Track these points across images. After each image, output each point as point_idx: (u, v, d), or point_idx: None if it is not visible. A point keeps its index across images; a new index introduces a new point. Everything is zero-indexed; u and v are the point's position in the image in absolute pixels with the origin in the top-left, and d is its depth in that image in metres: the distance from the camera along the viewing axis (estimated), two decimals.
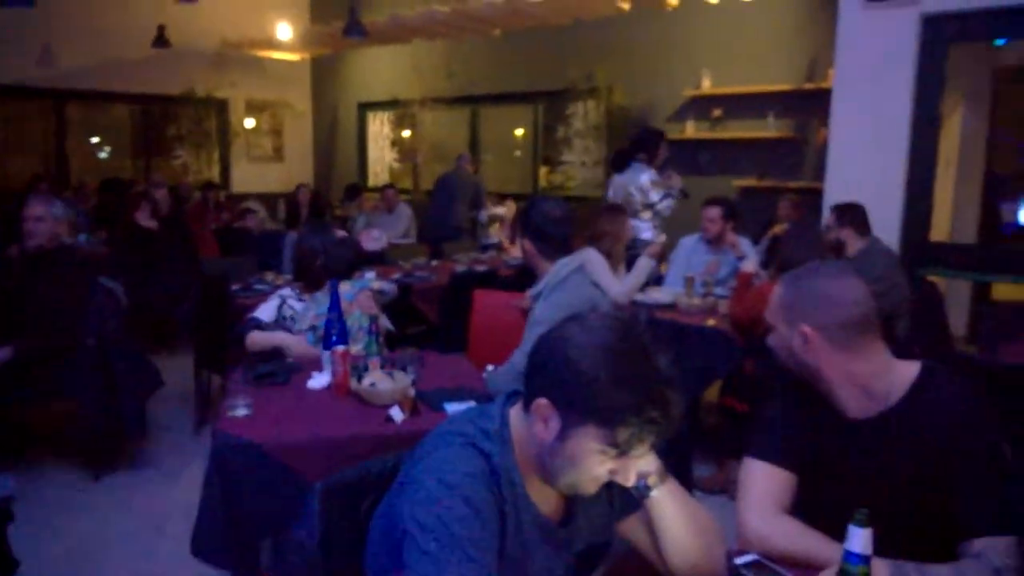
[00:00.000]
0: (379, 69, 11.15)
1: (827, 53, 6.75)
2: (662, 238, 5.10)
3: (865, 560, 1.31)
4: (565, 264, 2.96)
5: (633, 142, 6.19)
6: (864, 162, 5.17)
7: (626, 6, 6.78)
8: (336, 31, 8.39)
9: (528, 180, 9.62)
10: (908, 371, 1.76)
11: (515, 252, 6.82)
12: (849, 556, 1.31)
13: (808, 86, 7.03)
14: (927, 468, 1.68)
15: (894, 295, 4.34)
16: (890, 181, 5.10)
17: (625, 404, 1.33)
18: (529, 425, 1.43)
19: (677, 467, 3.77)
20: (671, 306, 4.60)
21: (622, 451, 1.37)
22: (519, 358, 2.85)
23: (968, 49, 6.27)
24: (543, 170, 9.40)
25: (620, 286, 4.55)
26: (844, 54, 5.23)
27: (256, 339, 3.36)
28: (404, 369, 2.98)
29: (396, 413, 2.68)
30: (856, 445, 1.76)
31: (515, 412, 1.50)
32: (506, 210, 8.30)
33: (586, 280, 3.01)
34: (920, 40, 4.97)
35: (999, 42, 5.84)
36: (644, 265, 4.61)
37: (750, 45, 7.41)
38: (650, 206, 5.94)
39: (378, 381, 2.87)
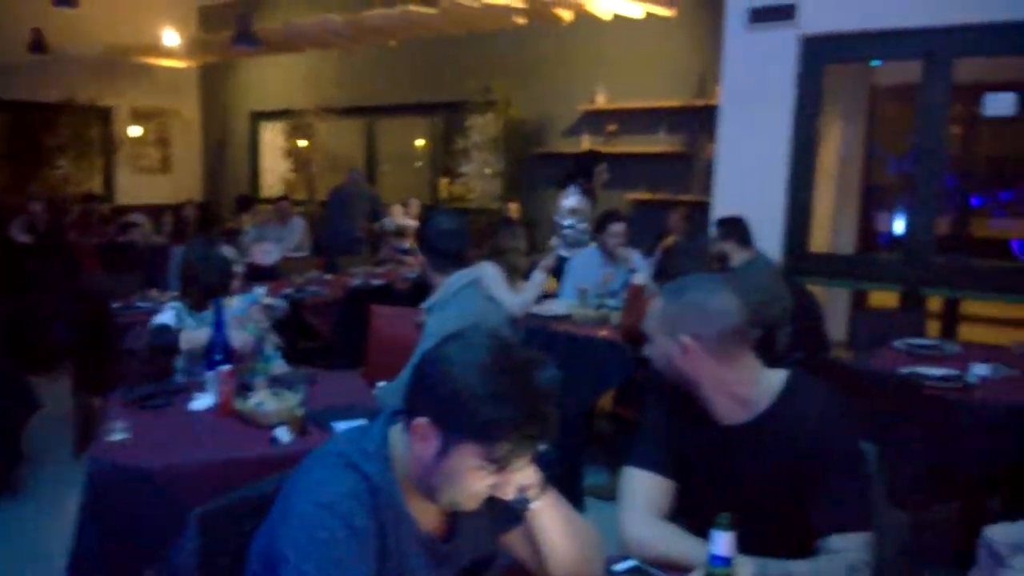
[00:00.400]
0: (272, 78, 10.93)
1: (715, 70, 7.01)
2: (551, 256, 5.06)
3: (727, 562, 1.37)
4: (458, 278, 2.96)
5: (573, 166, 6.32)
6: (748, 177, 5.39)
7: (521, 21, 6.86)
8: (226, 39, 8.18)
9: (426, 191, 9.59)
10: (776, 379, 1.84)
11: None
12: (713, 559, 1.37)
13: (698, 102, 7.28)
14: (792, 470, 1.76)
15: (776, 307, 4.52)
16: (772, 194, 5.33)
17: (503, 420, 1.34)
18: (409, 443, 1.43)
19: (570, 475, 3.83)
20: (566, 318, 4.66)
21: (501, 466, 1.38)
22: (409, 374, 2.83)
23: (846, 69, 6.63)
24: (443, 181, 9.40)
25: (517, 299, 4.58)
26: (729, 73, 5.44)
27: (192, 337, 3.23)
28: (293, 388, 2.93)
29: (282, 434, 2.62)
30: (729, 450, 1.83)
31: (397, 431, 1.50)
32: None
33: (479, 294, 3.02)
34: (799, 60, 5.21)
35: (875, 63, 6.18)
36: (539, 278, 4.66)
37: (642, 61, 7.62)
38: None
39: (264, 401, 2.81)
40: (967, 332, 6.75)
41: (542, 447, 1.41)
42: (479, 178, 8.67)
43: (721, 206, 5.43)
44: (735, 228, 4.66)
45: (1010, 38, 4.68)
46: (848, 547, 1.66)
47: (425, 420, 1.38)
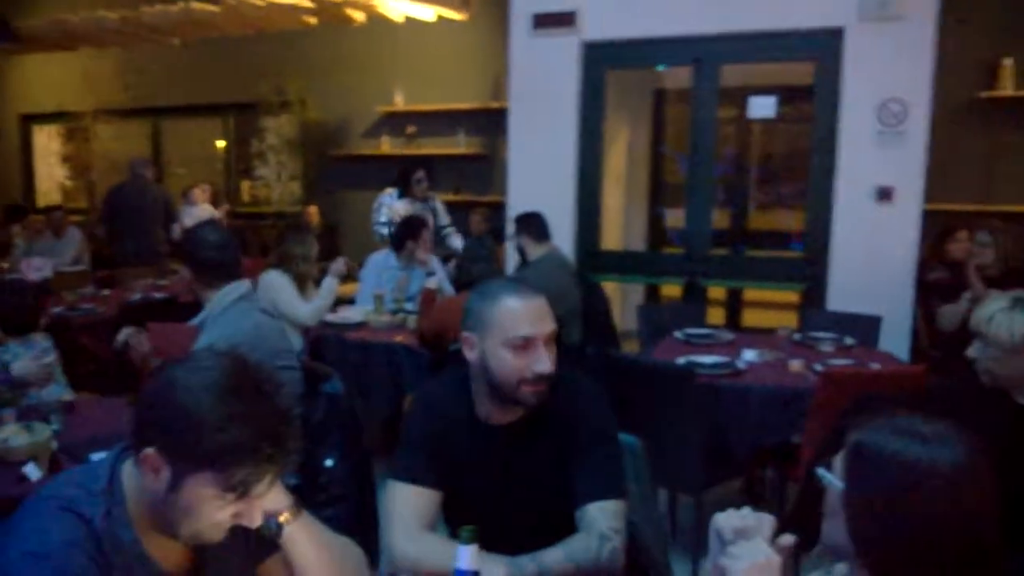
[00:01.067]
0: (45, 78, 10.01)
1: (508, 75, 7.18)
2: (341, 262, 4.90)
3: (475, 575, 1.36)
4: (227, 292, 2.80)
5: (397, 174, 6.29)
6: (539, 177, 5.52)
7: (312, 21, 6.67)
8: None
9: (223, 195, 9.12)
10: None
11: None
12: (458, 574, 1.35)
13: (494, 105, 7.39)
14: (559, 460, 1.81)
15: (565, 302, 4.67)
16: (562, 195, 5.49)
17: (236, 445, 1.26)
18: (140, 477, 1.32)
19: (362, 488, 3.72)
20: (361, 324, 4.57)
21: (241, 494, 1.30)
22: None
23: (631, 74, 6.96)
24: (245, 184, 8.97)
25: (307, 307, 4.45)
26: (516, 77, 5.55)
27: None
28: (47, 419, 2.68)
29: (31, 471, 2.39)
30: (497, 450, 1.85)
31: (128, 465, 1.38)
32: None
33: (252, 307, 2.88)
34: (582, 65, 5.41)
35: (659, 67, 6.50)
36: (330, 285, 4.54)
37: (439, 64, 7.64)
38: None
39: (11, 436, 2.55)
40: (751, 317, 7.32)
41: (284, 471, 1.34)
42: (277, 181, 8.37)
43: (516, 206, 5.52)
44: (530, 223, 4.78)
45: (770, 46, 5.08)
46: (600, 516, 1.73)
47: (153, 451, 1.28)
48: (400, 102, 7.81)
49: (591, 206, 5.60)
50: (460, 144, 7.66)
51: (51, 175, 10.42)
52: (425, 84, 7.70)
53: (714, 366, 3.51)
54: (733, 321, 7.31)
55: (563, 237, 5.37)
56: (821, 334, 4.15)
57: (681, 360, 3.59)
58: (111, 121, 9.31)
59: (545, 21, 5.32)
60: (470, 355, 1.83)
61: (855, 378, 3.23)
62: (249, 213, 8.44)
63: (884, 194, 4.88)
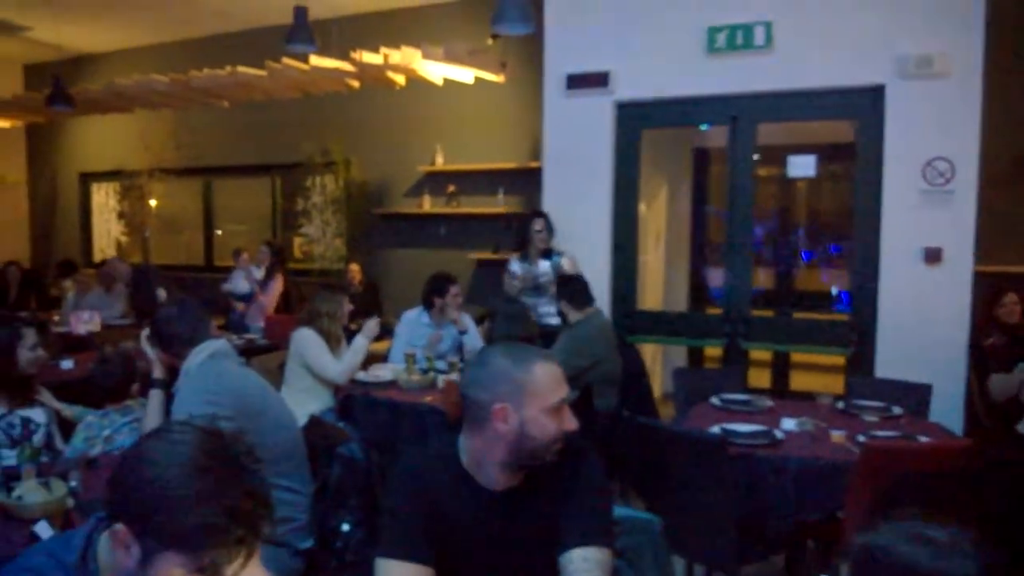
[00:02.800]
0: (102, 138, 10.38)
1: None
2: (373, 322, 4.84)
3: None
4: (200, 351, 2.81)
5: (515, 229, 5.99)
6: (574, 237, 5.47)
7: (355, 84, 6.80)
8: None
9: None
10: None
11: None
12: None
13: (533, 164, 7.40)
14: (554, 520, 1.78)
15: (603, 367, 4.57)
16: (598, 254, 5.43)
17: (205, 527, 1.20)
18: (112, 553, 1.27)
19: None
20: (391, 383, 4.51)
21: (212, 573, 1.23)
22: None
23: (669, 133, 6.94)
24: (297, 240, 9.09)
25: (337, 365, 4.43)
26: (551, 137, 5.56)
27: None
28: (65, 477, 2.66)
29: (43, 529, 2.36)
30: (496, 517, 1.79)
31: (104, 538, 1.33)
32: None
33: (225, 367, 2.83)
34: (616, 125, 5.39)
35: (703, 127, 6.46)
36: (360, 344, 4.51)
37: (479, 124, 7.71)
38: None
39: (27, 493, 2.53)
40: (799, 380, 7.11)
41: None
42: (322, 239, 8.47)
43: None
44: (571, 288, 4.72)
45: (808, 105, 5.01)
46: (584, 564, 1.70)
47: (122, 527, 1.23)
48: (440, 162, 7.88)
49: (627, 265, 5.52)
50: (499, 203, 7.67)
51: (108, 231, 10.71)
52: (464, 144, 7.76)
53: (750, 435, 3.36)
54: (779, 384, 7.11)
55: (600, 296, 5.29)
56: (866, 402, 3.96)
57: (715, 428, 3.44)
58: (165, 179, 9.58)
59: (579, 82, 5.33)
60: (503, 427, 1.75)
61: (898, 452, 3.05)
62: (297, 270, 8.53)
63: (933, 255, 4.71)
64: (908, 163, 4.75)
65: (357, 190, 8.27)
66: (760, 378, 7.01)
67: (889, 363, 4.78)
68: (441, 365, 4.76)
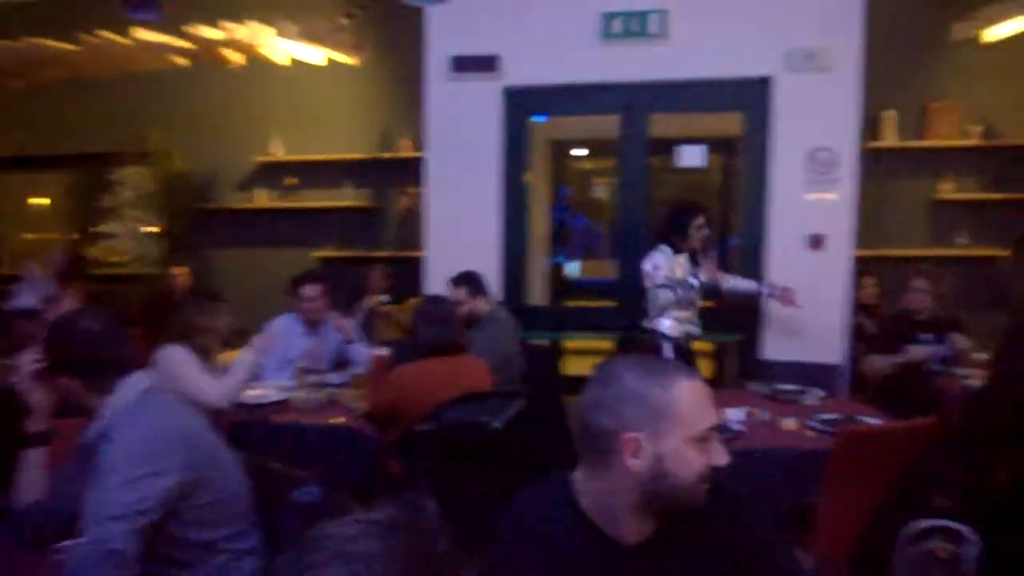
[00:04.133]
0: None
1: (402, 123, 6.77)
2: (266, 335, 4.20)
3: None
4: (130, 385, 2.15)
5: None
6: (461, 230, 5.14)
7: (183, 62, 5.97)
8: None
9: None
10: None
11: None
12: None
13: (385, 155, 6.95)
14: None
15: (514, 367, 4.29)
16: (486, 248, 5.13)
17: None
18: None
19: None
20: (282, 404, 3.94)
21: None
22: (103, 528, 1.94)
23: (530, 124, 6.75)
24: (103, 243, 7.90)
25: (217, 388, 3.75)
26: (433, 123, 5.16)
27: None
28: None
29: None
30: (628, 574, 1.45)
31: None
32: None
33: (169, 400, 2.24)
34: (504, 111, 5.10)
35: (540, 118, 6.26)
36: (245, 360, 3.86)
37: (322, 112, 7.11)
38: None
39: None
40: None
41: None
42: (132, 239, 7.47)
43: (436, 262, 5.11)
44: (479, 283, 4.40)
45: (697, 96, 5.01)
46: None
47: None
48: (279, 151, 7.19)
49: (517, 258, 5.27)
50: (347, 196, 7.13)
51: None
52: (307, 133, 7.13)
53: (722, 429, 3.22)
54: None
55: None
56: (788, 387, 3.99)
57: None
58: None
59: (465, 65, 4.99)
60: (634, 462, 1.41)
61: (878, 435, 3.05)
62: (103, 276, 7.44)
63: (816, 242, 4.87)
64: (793, 154, 4.87)
65: (179, 184, 7.36)
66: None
67: (776, 347, 4.90)
68: (336, 379, 4.25)
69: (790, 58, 4.78)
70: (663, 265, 4.43)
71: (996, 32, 5.76)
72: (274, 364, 4.45)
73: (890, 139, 6.37)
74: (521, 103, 5.11)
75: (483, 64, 4.97)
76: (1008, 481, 2.45)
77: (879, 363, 4.64)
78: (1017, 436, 2.99)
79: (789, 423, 3.38)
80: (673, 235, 4.46)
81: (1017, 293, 5.73)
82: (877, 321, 5.22)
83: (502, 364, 4.13)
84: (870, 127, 6.40)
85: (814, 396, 3.82)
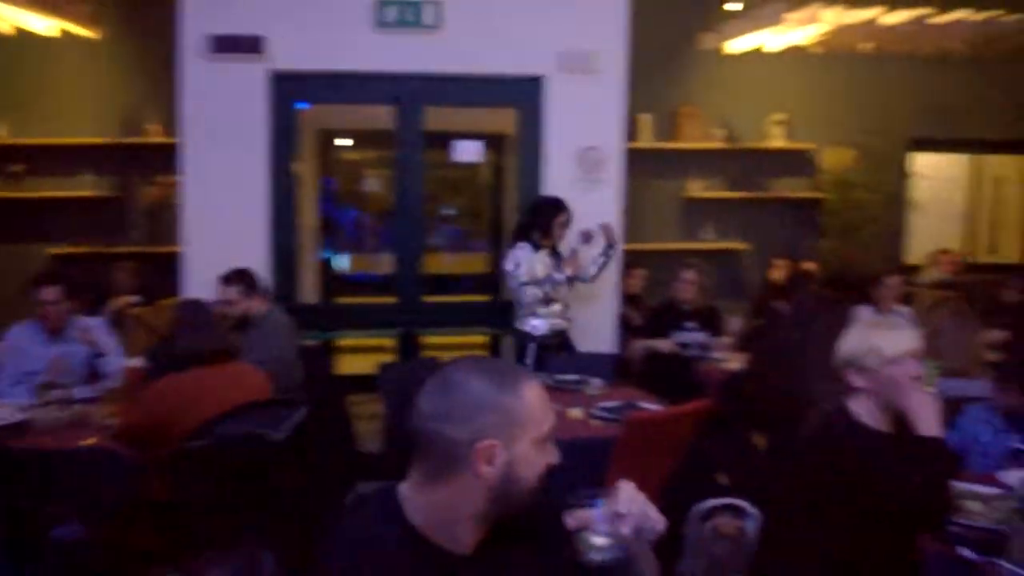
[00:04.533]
0: None
1: (150, 105, 6.16)
2: None
3: None
4: None
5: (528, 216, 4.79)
6: (224, 224, 4.74)
7: None
8: None
9: None
10: None
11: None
12: None
13: (130, 140, 6.29)
14: None
15: (295, 372, 4.05)
16: (253, 243, 4.78)
17: None
18: None
19: None
20: (21, 426, 3.40)
21: None
22: None
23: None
24: None
25: None
26: (190, 108, 4.70)
27: None
28: None
29: None
30: None
31: None
32: None
33: None
34: (271, 97, 4.78)
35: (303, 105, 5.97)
36: None
37: (55, 90, 6.29)
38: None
39: None
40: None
41: None
42: None
43: (195, 257, 4.69)
44: (256, 281, 4.09)
45: (471, 91, 5.00)
46: None
47: None
48: (2, 134, 6.27)
49: (288, 253, 4.97)
50: (84, 185, 6.38)
51: None
52: (35, 113, 6.28)
53: None
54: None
55: None
56: (570, 376, 4.11)
57: None
58: None
59: (226, 45, 4.60)
60: (488, 469, 1.33)
61: (662, 420, 3.20)
62: None
63: (587, 237, 5.04)
64: (565, 153, 5.00)
65: None
66: None
67: None
68: (83, 394, 3.76)
69: (562, 58, 4.89)
70: (524, 262, 4.51)
71: (736, 45, 6.32)
72: (9, 380, 3.89)
73: (646, 140, 6.80)
74: (289, 89, 4.81)
75: (247, 45, 4.61)
76: (767, 454, 2.66)
77: (639, 349, 4.95)
78: (770, 415, 3.28)
79: (575, 413, 3.47)
80: (535, 231, 4.59)
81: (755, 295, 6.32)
82: (643, 311, 5.53)
83: (281, 369, 3.87)
84: (629, 129, 6.81)
85: (595, 385, 3.94)
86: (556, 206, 4.62)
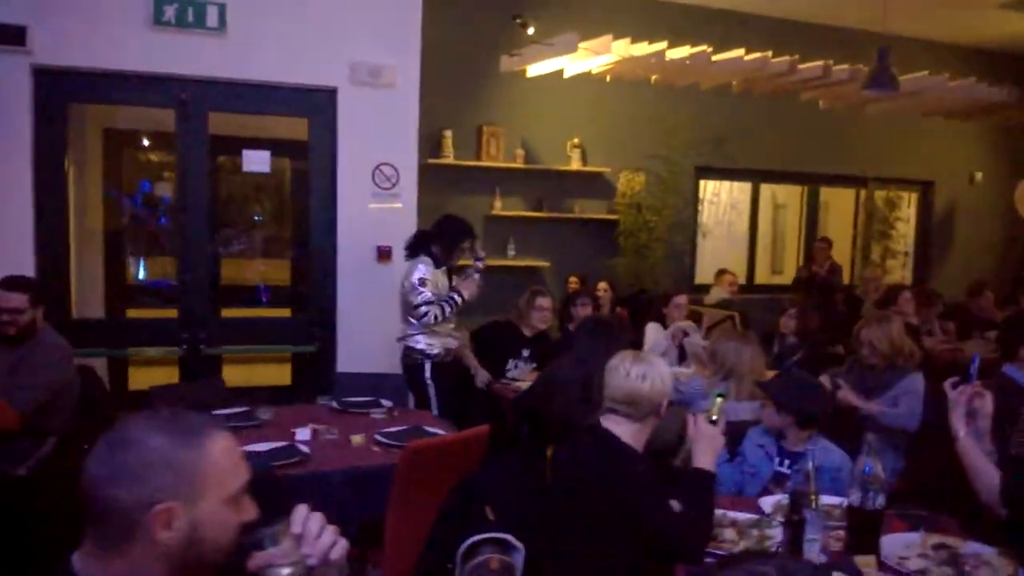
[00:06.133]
0: None
1: None
2: None
3: None
4: None
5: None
6: None
7: None
8: None
9: None
10: None
11: None
12: None
13: None
14: None
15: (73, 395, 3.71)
16: (18, 253, 4.37)
17: None
18: None
19: None
20: None
21: None
22: None
23: (79, 110, 5.93)
24: None
25: None
26: None
27: None
28: None
29: None
30: None
31: None
32: None
33: None
34: (35, 95, 4.41)
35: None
36: None
37: None
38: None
39: None
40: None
41: None
42: None
43: None
44: (32, 289, 3.71)
45: (261, 98, 4.85)
46: None
47: None
48: None
49: (58, 265, 4.59)
50: None
51: None
52: None
53: (273, 454, 3.09)
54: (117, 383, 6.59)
55: None
56: (356, 398, 4.03)
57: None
58: None
59: None
60: (165, 534, 1.23)
61: (438, 448, 3.15)
62: None
63: (385, 254, 5.02)
64: (359, 166, 4.96)
65: None
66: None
67: (350, 357, 4.94)
68: None
69: (354, 71, 4.85)
70: (430, 279, 4.37)
71: (536, 69, 6.51)
72: None
73: (449, 157, 6.87)
74: (57, 87, 4.46)
75: (7, 36, 4.21)
76: (549, 479, 2.68)
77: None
78: (551, 436, 3.28)
79: (357, 439, 3.37)
80: (437, 247, 4.46)
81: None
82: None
83: (57, 391, 3.55)
84: (433, 145, 6.85)
85: (381, 409, 3.88)
86: (464, 231, 4.56)
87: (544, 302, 5.09)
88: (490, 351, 5.00)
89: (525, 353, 5.03)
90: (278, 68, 4.76)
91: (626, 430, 2.43)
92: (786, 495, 2.53)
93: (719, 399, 3.03)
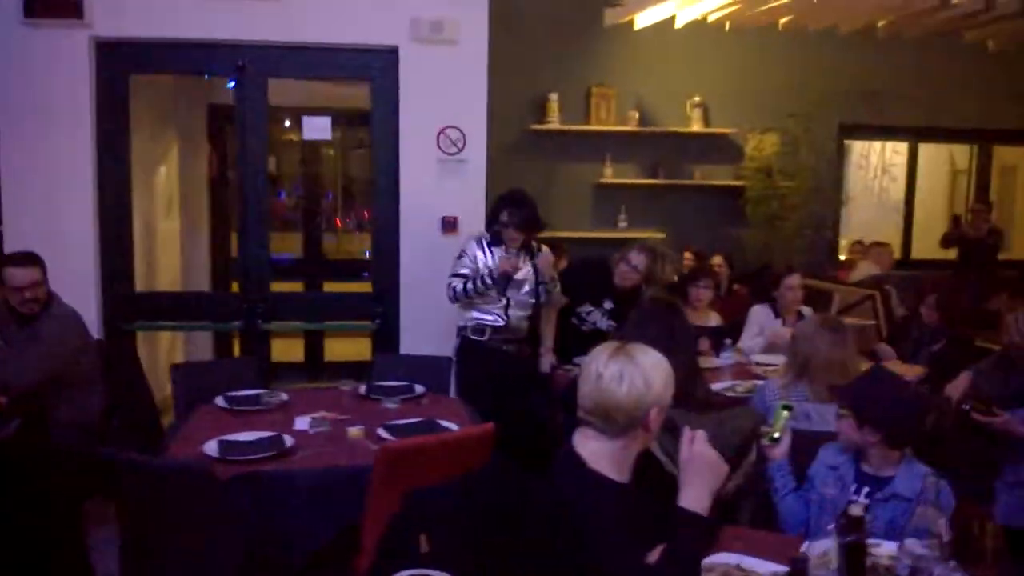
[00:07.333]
0: None
1: None
2: None
3: None
4: None
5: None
6: (45, 210, 4.35)
7: None
8: None
9: None
10: None
11: None
12: None
13: None
14: None
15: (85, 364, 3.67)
16: (77, 226, 4.40)
17: None
18: None
19: None
20: None
21: None
22: None
23: (179, 85, 6.01)
24: None
25: None
26: (4, 81, 4.31)
27: None
28: None
29: None
30: None
31: None
32: None
33: None
34: (96, 68, 4.38)
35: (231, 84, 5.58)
36: None
37: None
38: None
39: None
40: (335, 349, 6.77)
41: None
42: None
43: (16, 243, 4.32)
44: (40, 263, 3.69)
45: (321, 62, 4.60)
46: None
47: None
48: None
49: (120, 238, 4.58)
50: None
51: None
52: None
53: (254, 446, 2.82)
54: (313, 356, 6.75)
55: (84, 277, 4.34)
56: (389, 383, 3.71)
57: (212, 443, 2.84)
58: None
59: (40, 9, 4.21)
60: None
61: (417, 451, 2.74)
62: None
63: (450, 225, 4.65)
64: (423, 130, 4.60)
65: None
66: (292, 350, 6.56)
67: (412, 336, 4.65)
68: None
69: (416, 27, 4.47)
70: (468, 252, 4.08)
71: (644, 19, 5.87)
72: None
73: (555, 122, 6.40)
74: (116, 58, 4.41)
75: (65, 9, 4.21)
76: None
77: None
78: None
79: (355, 432, 3.04)
80: (493, 227, 4.11)
81: None
82: None
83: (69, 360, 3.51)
84: (536, 110, 6.41)
85: (401, 397, 3.52)
86: (498, 204, 4.10)
87: (635, 258, 4.37)
88: (573, 287, 4.42)
89: (607, 305, 4.42)
90: (335, 29, 4.48)
91: (598, 449, 1.83)
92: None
93: (784, 412, 2.43)
